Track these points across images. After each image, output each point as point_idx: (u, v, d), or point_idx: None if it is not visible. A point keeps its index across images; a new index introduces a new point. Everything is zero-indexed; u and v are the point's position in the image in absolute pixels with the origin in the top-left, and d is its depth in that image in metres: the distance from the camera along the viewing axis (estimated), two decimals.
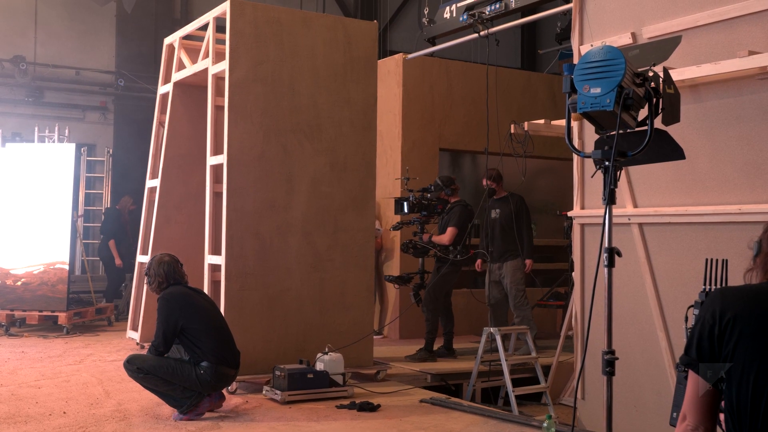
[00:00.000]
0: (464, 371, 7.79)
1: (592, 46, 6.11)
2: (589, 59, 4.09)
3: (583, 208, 6.54)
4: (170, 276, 5.94)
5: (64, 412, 5.93)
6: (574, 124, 6.48)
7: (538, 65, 17.44)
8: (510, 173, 9.22)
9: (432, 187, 9.03)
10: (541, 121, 8.76)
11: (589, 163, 6.30)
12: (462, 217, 8.80)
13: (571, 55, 11.84)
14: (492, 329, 7.31)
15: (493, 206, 9.06)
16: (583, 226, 6.57)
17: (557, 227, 11.36)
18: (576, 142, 6.43)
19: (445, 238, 8.71)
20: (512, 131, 8.53)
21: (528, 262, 8.96)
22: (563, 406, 7.53)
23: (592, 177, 4.65)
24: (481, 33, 8.60)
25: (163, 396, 5.89)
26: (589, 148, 5.79)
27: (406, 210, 8.87)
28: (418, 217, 9.04)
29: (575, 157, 6.60)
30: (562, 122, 8.66)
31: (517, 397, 7.10)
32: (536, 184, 11.77)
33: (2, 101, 13.55)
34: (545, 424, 4.94)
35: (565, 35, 13.08)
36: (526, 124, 8.53)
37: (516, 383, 7.29)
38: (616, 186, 4.09)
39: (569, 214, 6.86)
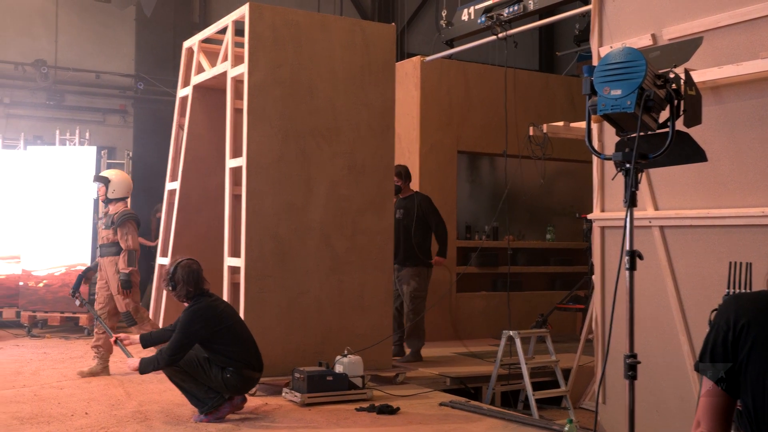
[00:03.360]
0: (484, 374, 7.77)
1: (611, 47, 6.07)
2: (609, 61, 4.07)
3: (603, 210, 6.51)
4: (198, 284, 5.91)
5: (86, 413, 5.97)
6: (594, 126, 6.45)
7: (556, 67, 17.39)
8: (529, 175, 9.19)
9: None
10: (560, 124, 8.73)
11: (609, 166, 6.27)
12: None
13: (589, 57, 11.80)
14: (512, 332, 7.28)
15: (398, 206, 8.72)
16: (603, 228, 6.53)
17: (576, 230, 11.32)
18: (596, 144, 6.39)
19: None
20: (531, 133, 8.50)
21: (440, 259, 8.83)
22: (583, 410, 7.49)
23: (612, 179, 4.63)
24: (500, 35, 8.58)
25: (186, 393, 5.90)
26: (609, 150, 5.77)
27: None
28: None
29: (595, 159, 6.57)
30: (581, 124, 8.67)
31: (537, 400, 7.07)
32: (555, 187, 11.74)
33: (24, 104, 13.66)
34: (566, 428, 4.92)
35: (583, 37, 13.03)
36: (544, 126, 8.51)
37: (536, 387, 7.26)
38: (637, 188, 4.07)
39: (589, 216, 6.82)
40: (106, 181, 7.96)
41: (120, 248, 7.71)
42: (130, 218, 7.79)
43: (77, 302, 7.47)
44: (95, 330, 7.70)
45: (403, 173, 8.79)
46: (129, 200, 8.17)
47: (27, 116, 13.66)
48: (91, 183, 8.17)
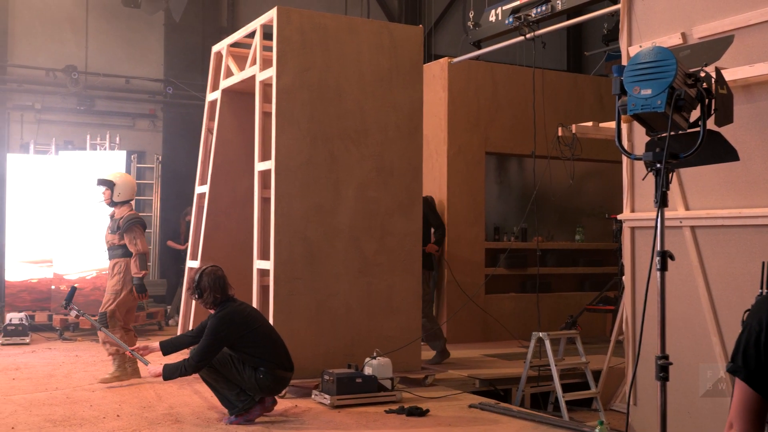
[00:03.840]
0: (513, 376, 7.74)
1: (641, 47, 6.03)
2: (639, 60, 4.05)
3: (633, 211, 6.46)
4: (224, 290, 5.92)
5: (118, 415, 6.03)
6: (624, 126, 6.40)
7: (584, 67, 17.30)
8: (558, 176, 9.15)
9: None
10: (589, 124, 8.69)
11: (639, 166, 6.22)
12: None
13: (617, 57, 11.70)
14: (541, 334, 7.25)
15: None
16: (633, 229, 6.48)
17: (606, 230, 11.24)
18: (625, 144, 6.35)
19: None
20: (560, 134, 8.46)
21: (434, 246, 8.93)
22: (614, 411, 7.43)
23: (643, 179, 4.59)
24: (528, 36, 8.55)
25: (218, 393, 5.94)
26: (639, 150, 5.72)
27: None
28: None
29: (624, 159, 6.52)
30: (611, 124, 8.61)
31: (567, 402, 7.03)
32: (584, 187, 11.67)
33: (55, 110, 13.84)
34: (597, 430, 4.89)
35: (611, 36, 12.96)
36: (573, 126, 8.46)
37: (566, 388, 7.23)
38: (668, 188, 4.04)
39: (619, 217, 6.77)
40: (111, 185, 7.82)
41: (126, 251, 7.63)
42: (136, 222, 7.72)
43: (73, 314, 7.34)
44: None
45: None
46: (133, 202, 8.07)
47: (58, 121, 13.85)
48: (94, 187, 8.00)
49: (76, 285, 8.02)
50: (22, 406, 6.33)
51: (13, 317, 10.15)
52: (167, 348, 6.18)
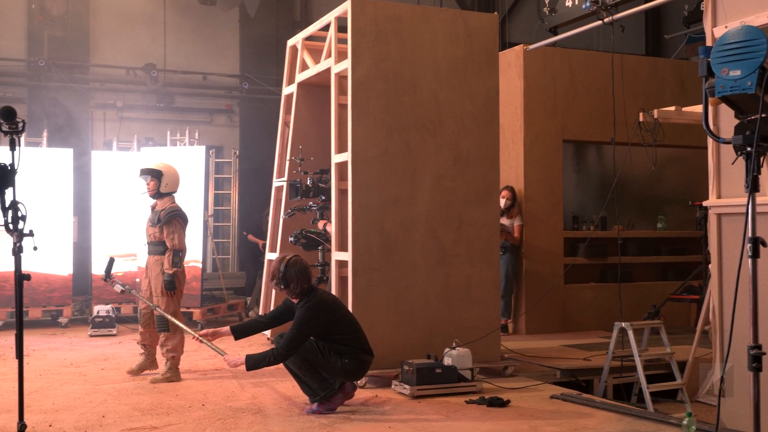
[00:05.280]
0: (595, 367, 7.61)
1: (726, 27, 5.83)
2: (726, 41, 3.93)
3: (719, 197, 6.26)
4: (310, 279, 5.95)
5: (203, 405, 6.16)
6: (710, 109, 6.21)
7: (663, 51, 16.85)
8: (638, 163, 8.94)
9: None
10: (672, 108, 8.46)
11: (726, 150, 6.03)
12: None
13: (699, 39, 11.35)
14: (624, 324, 7.10)
15: None
16: (719, 216, 6.28)
17: (689, 218, 10.96)
18: (711, 128, 6.15)
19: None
20: (641, 119, 8.27)
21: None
22: (700, 404, 7.24)
23: (732, 164, 4.45)
24: (605, 20, 8.37)
25: (300, 381, 5.99)
26: (725, 133, 5.55)
27: (298, 195, 8.01)
28: (315, 203, 8.10)
29: (710, 143, 6.33)
30: (694, 109, 8.38)
31: (651, 393, 6.88)
32: (666, 174, 11.39)
33: (136, 107, 14.19)
34: (685, 422, 4.77)
35: (693, 18, 12.57)
36: (655, 111, 8.26)
37: (650, 380, 7.07)
38: (759, 173, 3.91)
39: (704, 203, 6.58)
40: (158, 174, 7.49)
41: (167, 247, 7.35)
42: (177, 215, 7.39)
43: (117, 288, 7.15)
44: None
45: None
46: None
47: (139, 119, 14.19)
48: (137, 177, 7.69)
49: (113, 256, 7.71)
50: (111, 395, 6.52)
51: (100, 309, 10.46)
52: (239, 332, 6.17)
